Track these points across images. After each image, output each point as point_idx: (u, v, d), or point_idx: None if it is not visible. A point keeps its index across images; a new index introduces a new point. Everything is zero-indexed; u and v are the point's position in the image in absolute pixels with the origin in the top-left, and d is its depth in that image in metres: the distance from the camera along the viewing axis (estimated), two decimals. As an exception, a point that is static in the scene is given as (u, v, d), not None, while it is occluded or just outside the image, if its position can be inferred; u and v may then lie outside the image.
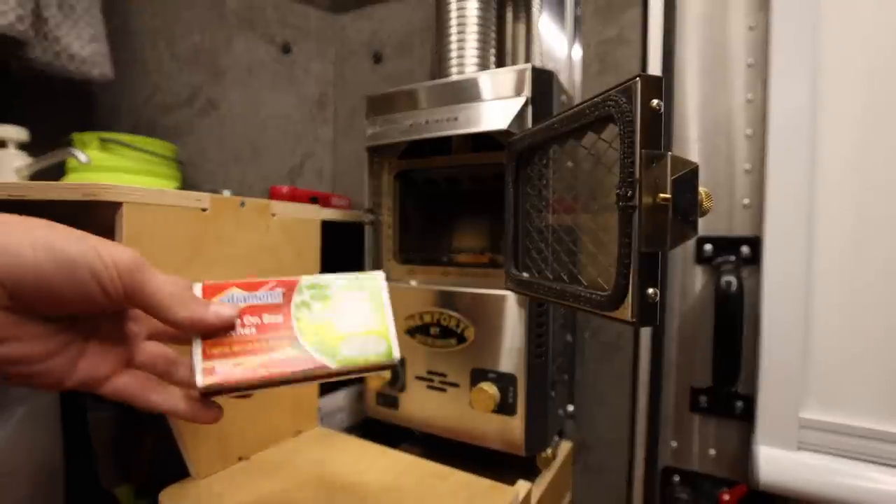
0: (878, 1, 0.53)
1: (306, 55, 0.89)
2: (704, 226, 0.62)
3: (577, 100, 0.68)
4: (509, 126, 0.48)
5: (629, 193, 0.28)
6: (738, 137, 0.61)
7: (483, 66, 0.58)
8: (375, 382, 0.57)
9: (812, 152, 0.54)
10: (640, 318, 0.28)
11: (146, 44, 0.80)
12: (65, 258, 0.22)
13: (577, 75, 0.69)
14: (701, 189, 0.29)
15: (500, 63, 0.64)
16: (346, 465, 0.50)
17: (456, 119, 0.52)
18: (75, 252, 0.22)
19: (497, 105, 0.51)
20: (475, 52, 0.57)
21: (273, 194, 0.70)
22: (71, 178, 0.62)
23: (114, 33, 0.72)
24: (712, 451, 0.62)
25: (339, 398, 0.67)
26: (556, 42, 0.70)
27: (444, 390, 0.55)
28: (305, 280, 0.30)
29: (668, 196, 0.27)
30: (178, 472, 0.45)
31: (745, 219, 0.60)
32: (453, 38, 0.58)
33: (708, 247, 0.61)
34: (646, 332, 0.64)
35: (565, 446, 0.63)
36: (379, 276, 0.32)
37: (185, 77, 0.81)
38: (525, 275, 0.44)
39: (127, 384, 0.27)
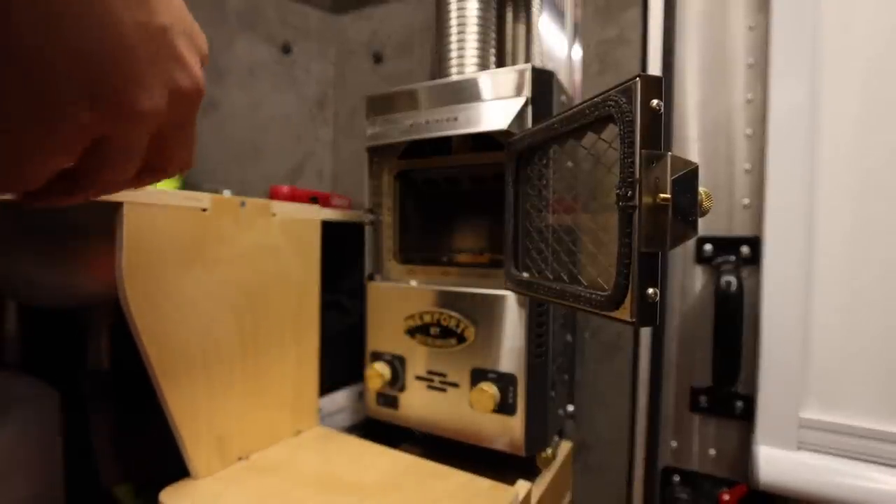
0: (877, 1, 0.53)
1: (307, 55, 0.89)
2: (704, 226, 0.62)
3: (577, 100, 0.68)
4: (509, 126, 0.48)
5: (629, 193, 0.28)
6: (738, 137, 0.61)
7: (483, 66, 0.58)
8: (375, 382, 0.57)
9: (812, 152, 0.54)
10: (639, 318, 0.28)
11: (146, 44, 0.80)
12: None
13: (577, 75, 0.69)
14: (701, 189, 0.28)
15: (500, 63, 0.64)
16: (346, 465, 0.50)
17: (456, 119, 0.52)
18: None
19: (497, 105, 0.51)
20: (475, 53, 0.57)
21: (273, 194, 0.69)
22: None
23: (114, 33, 0.72)
24: (712, 451, 0.62)
25: (339, 398, 0.67)
26: (556, 42, 0.70)
27: (444, 390, 0.55)
28: None
29: (668, 196, 0.27)
30: (178, 472, 0.45)
31: (745, 219, 0.60)
32: (453, 38, 0.58)
33: (708, 247, 0.61)
34: (646, 332, 0.64)
35: (565, 446, 0.63)
36: None
37: (186, 77, 0.80)
38: (525, 275, 0.44)
39: None
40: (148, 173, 0.23)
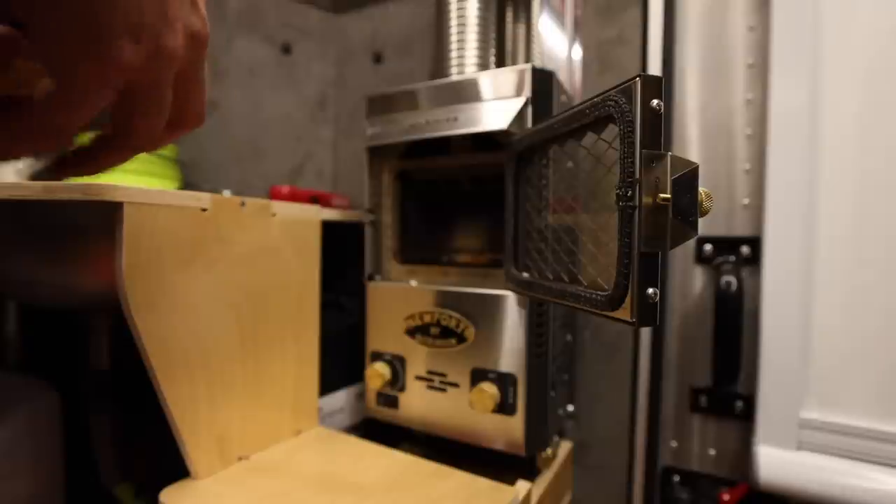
0: (877, 1, 0.53)
1: (307, 55, 0.89)
2: (704, 226, 0.62)
3: (577, 100, 0.68)
4: (509, 126, 0.48)
5: (629, 193, 0.28)
6: (738, 137, 0.61)
7: (483, 66, 0.58)
8: (376, 382, 0.57)
9: (812, 152, 0.54)
10: (640, 318, 0.28)
11: (146, 44, 0.80)
12: None
13: (577, 75, 0.69)
14: (701, 189, 0.29)
15: (500, 63, 0.64)
16: (346, 465, 0.50)
17: (456, 119, 0.52)
18: None
19: (497, 105, 0.50)
20: (475, 53, 0.57)
21: (273, 194, 0.70)
22: (71, 179, 0.62)
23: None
24: (712, 451, 0.62)
25: (339, 398, 0.67)
26: (556, 42, 0.70)
27: (444, 390, 0.55)
28: None
29: (668, 196, 0.27)
30: (178, 472, 0.45)
31: (745, 219, 0.60)
32: (453, 38, 0.58)
33: (708, 247, 0.61)
34: (646, 332, 0.64)
35: (565, 446, 0.63)
36: None
37: (186, 77, 0.80)
38: (525, 275, 0.44)
39: None
40: (170, 128, 0.24)
